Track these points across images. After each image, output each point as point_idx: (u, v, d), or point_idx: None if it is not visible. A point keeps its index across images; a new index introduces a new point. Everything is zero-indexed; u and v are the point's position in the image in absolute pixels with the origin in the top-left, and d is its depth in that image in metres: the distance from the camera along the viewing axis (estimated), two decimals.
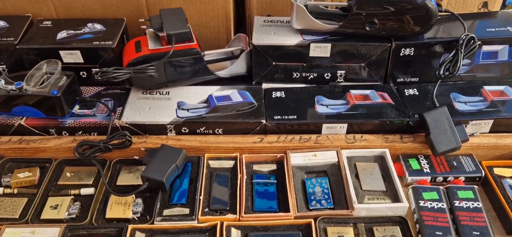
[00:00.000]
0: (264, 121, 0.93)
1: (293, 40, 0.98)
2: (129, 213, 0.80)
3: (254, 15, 1.12)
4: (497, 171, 0.91)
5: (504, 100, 0.97)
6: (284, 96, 1.00)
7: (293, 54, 0.99)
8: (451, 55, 0.93)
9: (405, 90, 1.01)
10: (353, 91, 1.01)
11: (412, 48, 0.97)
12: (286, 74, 1.03)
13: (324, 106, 0.97)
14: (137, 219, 0.79)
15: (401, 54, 0.98)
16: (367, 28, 0.95)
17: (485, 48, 0.97)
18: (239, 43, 1.08)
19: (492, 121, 0.94)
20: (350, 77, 1.02)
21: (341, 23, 0.96)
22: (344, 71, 1.02)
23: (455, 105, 0.96)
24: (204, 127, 0.94)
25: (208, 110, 0.96)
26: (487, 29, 0.98)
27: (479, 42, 0.93)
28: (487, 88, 1.00)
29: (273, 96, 1.00)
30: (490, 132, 0.96)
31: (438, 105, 0.92)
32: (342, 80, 1.03)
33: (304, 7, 0.96)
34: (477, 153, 0.94)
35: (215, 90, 1.02)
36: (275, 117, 0.94)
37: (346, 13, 0.99)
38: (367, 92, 1.00)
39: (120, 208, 0.81)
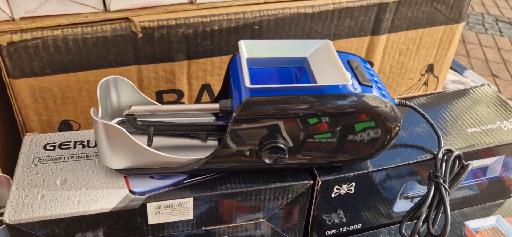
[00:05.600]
0: None
1: (107, 199, 0.44)
2: None
3: (27, 131, 0.56)
4: None
5: None
6: None
7: (112, 223, 0.45)
8: (428, 200, 0.47)
9: None
10: None
11: (353, 183, 0.50)
12: None
13: None
14: None
15: (333, 195, 0.50)
16: (267, 160, 0.45)
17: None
18: None
19: None
20: None
21: (210, 154, 0.45)
22: None
23: None
24: None
25: None
26: (468, 130, 0.56)
27: (470, 165, 0.50)
28: (470, 225, 0.58)
29: None
30: None
31: None
32: None
33: (123, 130, 0.43)
34: None
35: None
36: None
37: (220, 131, 0.49)
38: None
39: None
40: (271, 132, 0.44)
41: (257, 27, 0.58)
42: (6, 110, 0.58)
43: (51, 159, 0.47)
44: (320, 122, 0.44)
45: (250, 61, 0.47)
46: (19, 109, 0.56)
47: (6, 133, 0.60)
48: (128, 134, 0.43)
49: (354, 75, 0.47)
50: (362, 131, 0.45)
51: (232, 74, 0.49)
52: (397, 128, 0.46)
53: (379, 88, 0.47)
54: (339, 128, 0.45)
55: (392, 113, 0.45)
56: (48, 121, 0.57)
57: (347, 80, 0.43)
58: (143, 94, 0.50)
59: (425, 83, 0.79)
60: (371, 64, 0.70)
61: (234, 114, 0.42)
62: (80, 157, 0.48)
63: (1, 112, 0.59)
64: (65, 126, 0.58)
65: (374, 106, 0.44)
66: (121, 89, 0.49)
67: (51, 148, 0.49)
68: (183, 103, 0.63)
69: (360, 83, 0.46)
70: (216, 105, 0.47)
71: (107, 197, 0.44)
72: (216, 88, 0.63)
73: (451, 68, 1.21)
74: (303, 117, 0.43)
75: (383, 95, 0.46)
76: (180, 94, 0.62)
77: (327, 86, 0.44)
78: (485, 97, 0.62)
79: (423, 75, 0.77)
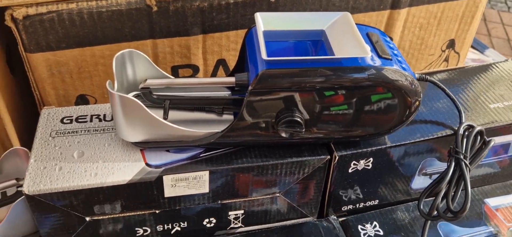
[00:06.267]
0: None
1: (124, 171, 0.44)
2: None
3: (44, 105, 0.57)
4: None
5: None
6: None
7: (129, 195, 0.45)
8: (448, 176, 0.46)
9: (359, 227, 0.53)
10: None
11: (370, 159, 0.49)
12: (122, 233, 0.48)
13: None
14: None
15: (350, 170, 0.50)
16: (283, 134, 0.44)
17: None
18: (17, 167, 0.51)
19: None
20: (254, 217, 0.52)
21: (226, 127, 0.45)
22: (241, 211, 0.50)
23: None
24: None
25: None
26: (491, 105, 0.54)
27: (491, 141, 0.48)
28: (490, 203, 0.57)
29: None
30: None
31: None
32: (239, 224, 0.52)
33: (139, 102, 0.42)
34: None
35: None
36: None
37: (235, 105, 0.48)
38: None
39: None
40: (287, 105, 0.43)
41: (273, 0, 0.57)
42: (23, 84, 0.58)
43: (68, 132, 0.48)
44: (338, 96, 0.43)
45: (266, 33, 0.46)
46: (36, 83, 0.56)
47: (24, 107, 0.61)
48: (144, 107, 0.42)
49: (374, 48, 0.46)
50: (380, 105, 0.44)
51: (248, 47, 0.48)
52: (417, 102, 0.45)
53: (399, 61, 0.46)
54: (357, 101, 0.44)
55: (413, 87, 0.44)
56: (65, 95, 0.58)
57: (366, 53, 0.42)
58: (158, 68, 0.49)
59: (446, 60, 0.76)
60: (390, 39, 0.68)
61: (250, 87, 0.42)
62: (97, 131, 0.48)
63: (18, 86, 0.60)
64: (82, 100, 0.59)
65: (394, 80, 0.43)
66: (136, 63, 0.48)
67: (68, 121, 0.49)
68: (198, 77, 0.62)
69: (380, 56, 0.44)
70: (231, 79, 0.46)
71: (124, 170, 0.44)
72: (232, 64, 0.63)
73: (472, 46, 1.18)
74: (320, 90, 0.42)
75: (404, 69, 0.45)
76: (195, 69, 0.61)
77: (345, 58, 0.43)
78: (508, 73, 0.60)
79: (443, 51, 0.75)
